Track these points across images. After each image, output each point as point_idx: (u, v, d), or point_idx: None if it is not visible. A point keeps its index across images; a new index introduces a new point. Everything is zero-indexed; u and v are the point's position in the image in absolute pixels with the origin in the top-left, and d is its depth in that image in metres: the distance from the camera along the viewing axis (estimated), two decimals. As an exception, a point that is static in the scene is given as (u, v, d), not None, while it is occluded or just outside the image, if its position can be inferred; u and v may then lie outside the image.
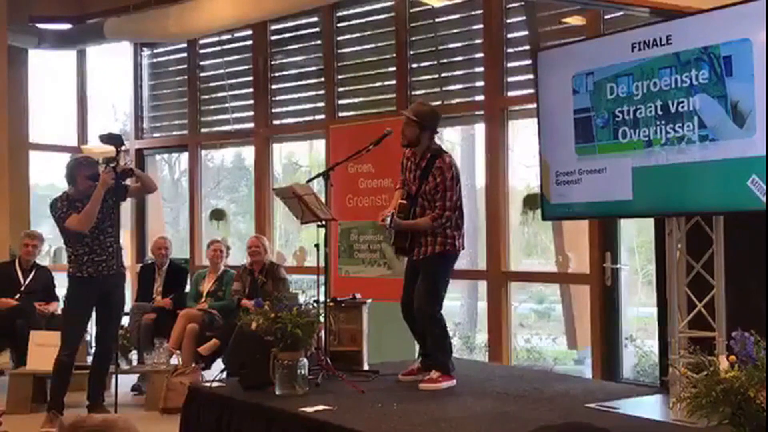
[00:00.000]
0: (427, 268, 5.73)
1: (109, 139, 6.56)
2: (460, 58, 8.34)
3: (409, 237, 5.76)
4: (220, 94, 10.58)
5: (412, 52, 8.63)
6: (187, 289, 8.83)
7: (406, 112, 5.84)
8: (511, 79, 7.89)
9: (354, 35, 9.24)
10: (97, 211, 6.48)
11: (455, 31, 8.38)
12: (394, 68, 8.74)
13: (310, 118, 9.67)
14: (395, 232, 5.82)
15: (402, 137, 5.77)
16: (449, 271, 5.84)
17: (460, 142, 9.77)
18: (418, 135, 5.71)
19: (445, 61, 8.43)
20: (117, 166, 6.51)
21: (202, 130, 10.79)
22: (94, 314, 6.91)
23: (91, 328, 7.57)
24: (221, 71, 10.52)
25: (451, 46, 8.40)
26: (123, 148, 6.60)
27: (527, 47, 7.81)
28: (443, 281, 5.80)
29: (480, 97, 8.13)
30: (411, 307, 5.82)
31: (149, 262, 9.31)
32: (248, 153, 11.01)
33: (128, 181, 6.76)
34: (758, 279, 4.74)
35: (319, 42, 9.50)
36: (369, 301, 6.62)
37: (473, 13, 8.18)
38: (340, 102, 9.31)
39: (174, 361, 7.81)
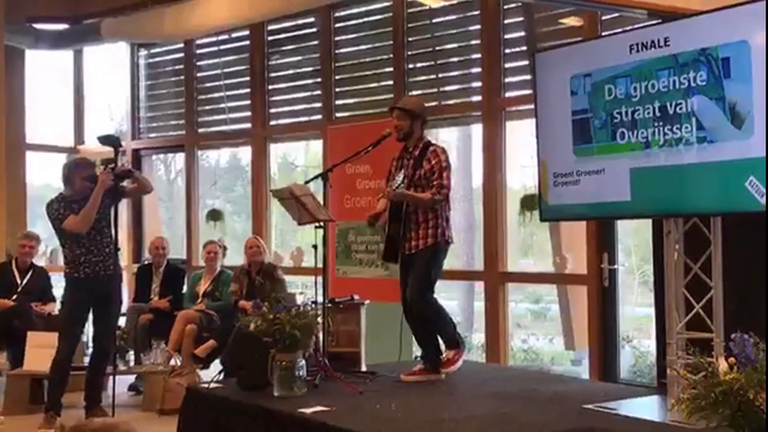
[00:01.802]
0: (420, 260, 5.82)
1: (107, 140, 6.55)
2: (457, 59, 8.34)
3: (399, 240, 5.84)
4: (216, 95, 10.57)
5: (409, 53, 8.62)
6: (185, 290, 8.81)
7: (397, 105, 6.07)
8: (508, 80, 7.89)
9: (351, 36, 9.23)
10: (95, 212, 6.47)
11: (453, 31, 8.37)
12: (391, 69, 8.73)
13: (307, 118, 9.67)
14: (386, 238, 5.91)
15: (397, 132, 5.95)
16: (441, 262, 5.95)
17: (457, 143, 9.76)
18: (411, 125, 5.91)
19: (442, 61, 8.43)
20: (115, 168, 6.50)
21: (199, 130, 10.78)
22: (91, 315, 6.90)
23: (89, 328, 7.55)
24: (218, 71, 10.52)
25: (448, 46, 8.40)
26: (121, 149, 6.59)
27: (524, 48, 7.81)
28: (435, 271, 5.89)
29: (477, 98, 8.12)
30: (409, 305, 5.90)
31: (146, 262, 9.30)
32: (244, 153, 11.00)
33: (125, 182, 6.75)
34: (756, 280, 4.75)
35: (316, 42, 9.49)
36: (367, 302, 6.61)
37: (470, 13, 8.18)
38: (337, 103, 9.31)
39: (173, 362, 7.79)
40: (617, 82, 4.95)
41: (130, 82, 11.47)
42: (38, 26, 10.84)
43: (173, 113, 11.21)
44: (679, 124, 4.66)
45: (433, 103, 8.16)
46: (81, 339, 7.35)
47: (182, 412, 5.74)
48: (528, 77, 7.45)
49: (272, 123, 10.02)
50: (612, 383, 6.82)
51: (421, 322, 5.91)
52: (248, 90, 10.16)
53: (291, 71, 9.84)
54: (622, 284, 7.46)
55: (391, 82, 8.75)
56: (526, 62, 7.66)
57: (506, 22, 7.89)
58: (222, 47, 10.45)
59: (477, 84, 8.16)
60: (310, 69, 9.57)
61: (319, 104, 9.46)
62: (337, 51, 9.29)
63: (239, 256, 8.80)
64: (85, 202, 6.46)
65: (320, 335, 5.95)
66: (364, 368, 6.30)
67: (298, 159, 11.50)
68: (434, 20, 8.47)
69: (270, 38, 9.98)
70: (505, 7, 7.87)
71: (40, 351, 7.17)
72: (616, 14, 6.77)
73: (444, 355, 5.85)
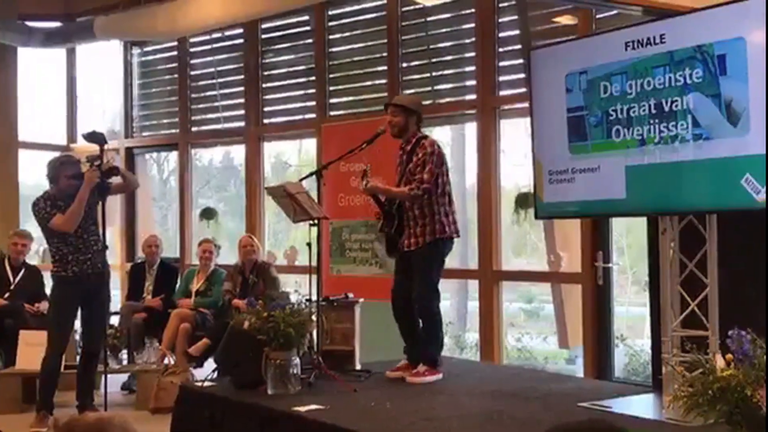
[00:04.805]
0: (419, 259, 5.81)
1: (93, 137, 6.48)
2: (451, 57, 8.32)
3: (395, 236, 5.85)
4: (210, 93, 10.54)
5: (403, 51, 8.60)
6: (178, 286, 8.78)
7: (392, 101, 6.11)
8: (502, 78, 7.88)
9: (345, 34, 9.21)
10: (83, 210, 6.42)
11: (447, 30, 8.36)
12: (385, 67, 8.72)
13: (302, 116, 9.65)
14: (386, 236, 5.91)
15: (391, 129, 5.97)
16: (442, 258, 5.93)
17: (451, 141, 9.75)
18: (405, 121, 5.92)
19: (436, 60, 8.41)
20: (102, 165, 6.45)
21: (193, 129, 10.75)
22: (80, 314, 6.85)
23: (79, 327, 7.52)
24: (212, 70, 10.49)
25: (442, 45, 8.39)
26: (106, 146, 6.53)
27: (519, 46, 7.80)
28: (437, 269, 5.89)
29: (471, 96, 8.12)
30: (399, 299, 5.93)
31: (139, 261, 9.27)
32: (237, 152, 10.97)
33: (112, 179, 6.69)
34: (752, 278, 4.74)
35: (310, 41, 9.47)
36: (361, 300, 6.60)
37: (465, 12, 8.17)
38: (332, 101, 9.29)
39: (167, 361, 7.76)
40: (613, 79, 4.93)
41: (123, 81, 11.42)
42: (31, 24, 10.81)
43: (166, 112, 11.17)
44: (674, 121, 4.65)
45: (427, 102, 8.14)
46: (73, 337, 7.32)
47: (176, 411, 5.73)
48: (522, 75, 7.45)
49: (266, 121, 9.99)
50: (607, 381, 6.81)
51: (414, 321, 5.90)
52: (242, 88, 10.13)
53: (285, 69, 9.82)
54: (615, 283, 7.46)
55: (385, 81, 8.73)
56: (520, 61, 7.66)
57: (500, 20, 7.88)
58: (215, 45, 10.42)
59: (471, 82, 8.15)
60: (304, 67, 9.55)
61: (313, 102, 9.43)
62: (331, 49, 9.27)
63: (233, 254, 8.76)
64: (72, 200, 6.41)
65: (314, 333, 5.94)
66: (358, 366, 6.29)
67: (292, 158, 11.48)
68: (428, 18, 8.46)
69: (264, 36, 9.95)
70: (500, 5, 7.86)
71: (33, 349, 7.13)
72: (611, 12, 6.77)
73: (419, 367, 5.81)
